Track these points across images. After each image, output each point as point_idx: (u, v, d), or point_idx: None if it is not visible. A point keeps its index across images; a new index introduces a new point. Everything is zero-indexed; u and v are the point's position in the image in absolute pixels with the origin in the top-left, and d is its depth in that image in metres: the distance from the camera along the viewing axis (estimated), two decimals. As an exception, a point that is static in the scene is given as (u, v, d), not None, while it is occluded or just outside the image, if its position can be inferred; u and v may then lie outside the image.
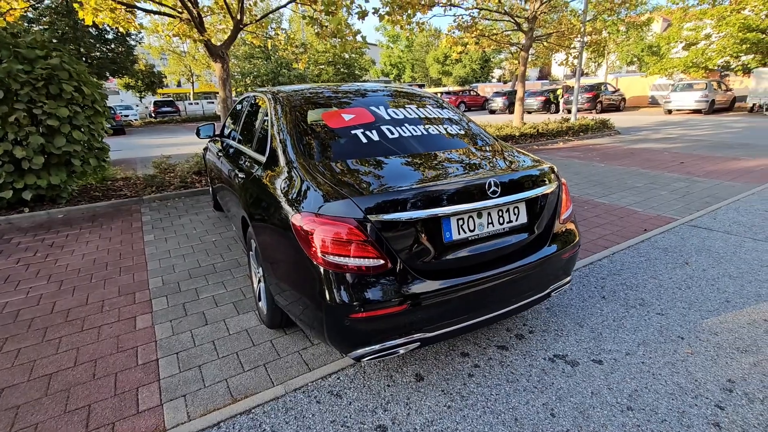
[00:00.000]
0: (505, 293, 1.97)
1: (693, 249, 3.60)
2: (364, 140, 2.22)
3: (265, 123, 2.61)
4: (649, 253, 3.55)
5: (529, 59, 11.47)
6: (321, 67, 37.06)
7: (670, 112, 19.45)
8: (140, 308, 2.87)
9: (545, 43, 11.78)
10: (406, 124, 2.42)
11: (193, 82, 38.27)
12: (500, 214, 1.94)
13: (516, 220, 2.00)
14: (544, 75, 46.40)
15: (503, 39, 11.62)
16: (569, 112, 19.14)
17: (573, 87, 12.26)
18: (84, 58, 20.87)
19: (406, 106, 2.67)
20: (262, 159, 2.40)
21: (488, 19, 11.56)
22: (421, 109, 2.66)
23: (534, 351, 2.29)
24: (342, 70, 37.34)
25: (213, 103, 36.83)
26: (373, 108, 2.54)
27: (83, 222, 4.94)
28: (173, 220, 4.89)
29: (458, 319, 1.86)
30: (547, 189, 2.11)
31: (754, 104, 18.07)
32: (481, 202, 1.84)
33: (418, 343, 1.80)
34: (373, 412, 1.88)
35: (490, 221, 1.91)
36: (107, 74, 23.73)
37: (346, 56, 37.78)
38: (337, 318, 1.70)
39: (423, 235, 1.76)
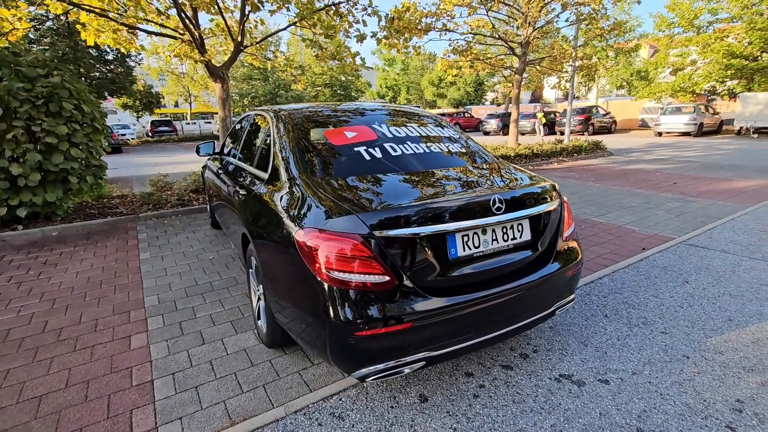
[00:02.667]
0: (511, 311, 1.95)
1: (692, 268, 3.61)
2: (367, 157, 2.23)
3: (267, 140, 2.63)
4: (649, 271, 3.55)
5: (523, 82, 11.73)
6: (318, 88, 37.74)
7: (660, 134, 19.86)
8: (135, 327, 2.80)
9: (538, 67, 12.10)
10: (408, 142, 2.45)
11: (190, 103, 38.71)
12: (504, 230, 1.94)
13: (520, 237, 2.00)
14: (536, 98, 47.49)
15: (497, 63, 11.93)
16: (562, 134, 19.54)
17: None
18: (83, 78, 21.08)
19: (407, 124, 2.70)
20: (264, 176, 2.40)
21: (482, 44, 11.88)
22: (421, 128, 2.69)
23: (539, 371, 2.25)
24: (339, 91, 38.01)
25: (210, 123, 37.16)
26: (375, 126, 2.56)
27: (78, 239, 4.87)
28: (170, 238, 4.84)
29: (464, 337, 1.83)
30: (550, 206, 2.12)
31: (741, 127, 18.53)
32: (486, 219, 1.84)
33: (424, 362, 1.77)
34: (378, 434, 1.83)
35: (494, 238, 1.91)
36: (106, 94, 23.92)
37: (343, 78, 38.55)
38: (341, 336, 1.67)
39: (428, 252, 1.75)
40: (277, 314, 2.14)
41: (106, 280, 3.64)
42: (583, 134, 20.63)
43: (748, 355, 2.34)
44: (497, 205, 1.86)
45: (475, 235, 1.85)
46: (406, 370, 1.76)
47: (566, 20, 10.63)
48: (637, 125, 25.97)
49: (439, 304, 1.72)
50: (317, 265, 1.68)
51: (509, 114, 15.89)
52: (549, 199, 2.14)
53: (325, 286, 1.66)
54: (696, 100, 21.82)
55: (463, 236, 1.82)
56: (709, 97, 22.96)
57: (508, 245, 1.95)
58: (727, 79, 20.26)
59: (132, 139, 27.62)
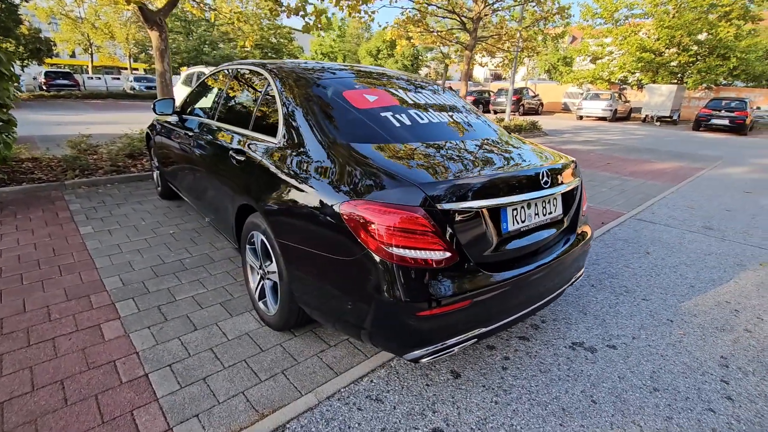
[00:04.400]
0: (546, 284, 1.97)
1: (648, 240, 4.00)
2: (397, 124, 2.06)
3: (270, 101, 2.31)
4: (614, 244, 3.87)
5: (455, 60, 11.95)
6: (246, 50, 34.98)
7: (581, 117, 21.67)
8: (102, 314, 2.39)
9: (485, 44, 12.33)
10: (430, 110, 2.31)
11: (92, 54, 33.45)
12: (544, 205, 1.93)
13: (554, 212, 2.01)
14: (466, 76, 48.87)
15: (448, 36, 11.92)
16: (495, 113, 20.34)
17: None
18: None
19: (420, 90, 2.55)
20: (274, 141, 2.11)
21: (436, 15, 11.74)
22: (435, 95, 2.56)
23: (553, 340, 2.34)
24: (270, 54, 35.61)
25: (119, 79, 32.61)
26: (392, 90, 2.37)
27: (-13, 211, 4.01)
28: (111, 210, 4.19)
29: (511, 311, 1.81)
30: (577, 182, 2.15)
31: (646, 115, 20.89)
32: (535, 192, 1.80)
33: (476, 339, 1.72)
34: (422, 415, 1.76)
35: (536, 212, 1.89)
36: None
37: (274, 40, 36.05)
38: (399, 316, 1.55)
39: (485, 226, 1.67)
40: (302, 295, 1.94)
41: (45, 259, 3.04)
42: (514, 114, 21.77)
43: (716, 317, 2.66)
44: (545, 179, 1.83)
45: (522, 209, 1.81)
46: (456, 349, 1.70)
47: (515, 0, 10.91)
48: (560, 108, 28.05)
49: (495, 279, 1.67)
50: (373, 240, 1.52)
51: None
52: (575, 176, 2.17)
53: (380, 263, 1.52)
54: (611, 88, 24.05)
55: (512, 210, 1.77)
56: (621, 87, 25.44)
57: (545, 219, 1.95)
58: (637, 71, 22.56)
59: (20, 92, 23.34)
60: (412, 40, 11.96)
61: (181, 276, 2.88)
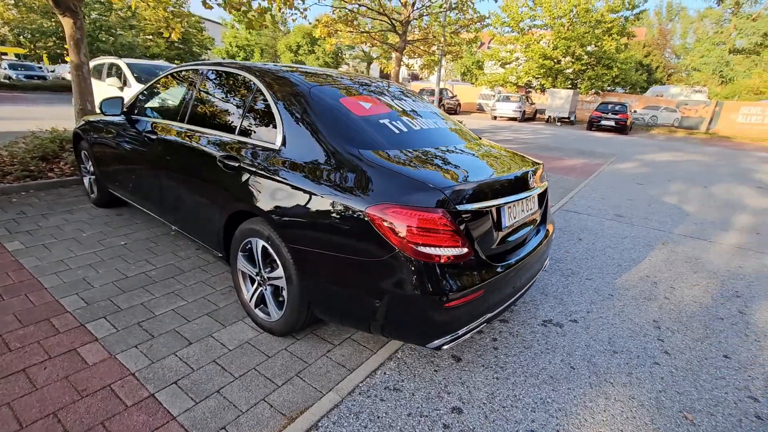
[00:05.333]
0: (529, 270, 2.26)
1: (577, 228, 4.63)
2: (396, 131, 2.19)
3: (260, 105, 2.29)
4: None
5: (382, 60, 12.35)
6: (149, 38, 31.83)
7: (495, 117, 23.53)
8: (73, 338, 2.17)
9: (413, 47, 12.84)
10: (418, 117, 2.47)
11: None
12: (528, 203, 2.22)
13: (533, 209, 2.31)
14: (384, 77, 50.12)
15: (379, 37, 12.19)
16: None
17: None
18: None
19: (402, 97, 2.70)
20: (273, 147, 2.10)
21: (366, 17, 11.92)
22: (415, 102, 2.73)
23: (528, 320, 2.67)
24: (176, 44, 32.84)
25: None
26: (380, 97, 2.49)
27: None
28: (38, 222, 3.68)
29: (508, 296, 2.07)
30: (546, 183, 2.48)
31: (549, 116, 23.39)
32: (525, 192, 2.08)
33: (485, 323, 1.94)
34: (440, 397, 1.94)
35: (523, 209, 2.16)
36: None
37: (182, 29, 33.31)
38: (427, 308, 1.70)
39: (491, 223, 1.89)
40: (315, 297, 1.99)
41: (-27, 282, 2.62)
42: (437, 114, 22.90)
43: (642, 289, 3.23)
44: (531, 180, 2.11)
45: (515, 207, 2.07)
46: (468, 335, 1.90)
47: (440, 6, 11.54)
48: (476, 108, 30.10)
49: (500, 269, 1.90)
50: (399, 241, 1.65)
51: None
52: (545, 178, 2.50)
53: (409, 261, 1.65)
54: (518, 91, 26.46)
55: (509, 208, 2.01)
56: (527, 90, 28.10)
57: (527, 216, 2.23)
58: (540, 76, 25.13)
59: None
60: (341, 40, 11.99)
61: (152, 290, 2.69)
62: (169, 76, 3.10)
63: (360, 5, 10.81)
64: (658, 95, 26.89)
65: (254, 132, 2.27)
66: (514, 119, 22.94)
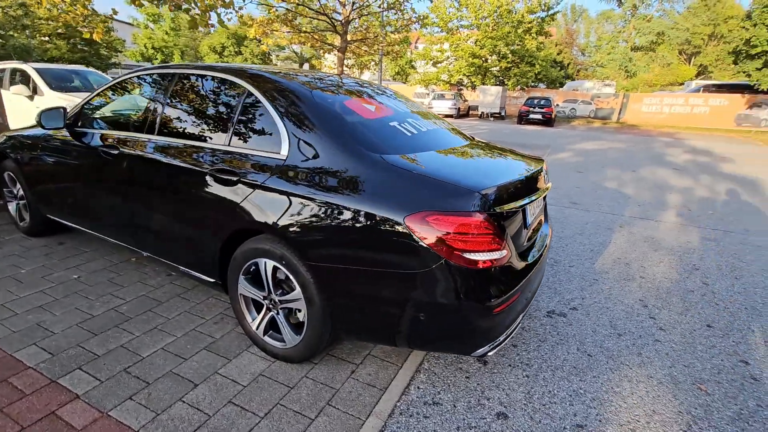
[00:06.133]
0: (543, 265, 2.29)
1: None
2: (408, 134, 2.10)
3: (255, 112, 2.07)
4: (523, 224, 4.59)
5: (317, 61, 12.17)
6: (45, 39, 28.29)
7: (432, 115, 24.22)
8: (47, 398, 1.80)
9: (353, 47, 12.73)
10: (418, 118, 2.40)
11: None
12: (541, 200, 2.24)
13: (542, 205, 2.34)
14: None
15: (320, 38, 11.91)
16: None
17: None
18: None
19: (393, 98, 2.61)
20: (279, 157, 1.90)
21: (305, 16, 11.57)
22: (410, 104, 2.66)
23: (533, 313, 2.72)
24: (81, 46, 29.58)
25: None
26: (378, 99, 2.38)
27: None
28: (-44, 260, 3.05)
29: (532, 294, 2.07)
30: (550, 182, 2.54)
31: (482, 112, 24.56)
32: (542, 190, 2.09)
33: (520, 324, 1.92)
34: (481, 405, 1.89)
35: (537, 205, 2.19)
36: None
37: (85, 29, 30.15)
38: (476, 316, 1.64)
39: (521, 223, 1.88)
40: (344, 316, 1.84)
41: None
42: (377, 113, 23.03)
43: (620, 271, 3.45)
44: (545, 177, 2.13)
45: (533, 206, 2.08)
46: (509, 339, 1.87)
47: (379, 6, 11.54)
48: (412, 107, 30.74)
49: (529, 267, 1.89)
50: (444, 249, 1.57)
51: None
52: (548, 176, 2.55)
53: (456, 269, 1.58)
54: (451, 89, 27.48)
55: (530, 207, 2.02)
56: (459, 87, 29.27)
57: (540, 213, 2.27)
58: (470, 74, 26.31)
59: None
60: (279, 40, 11.55)
61: (129, 328, 2.34)
62: (126, 83, 2.72)
63: (299, 4, 10.46)
64: (574, 89, 29.41)
65: (251, 142, 2.05)
66: (450, 116, 23.74)
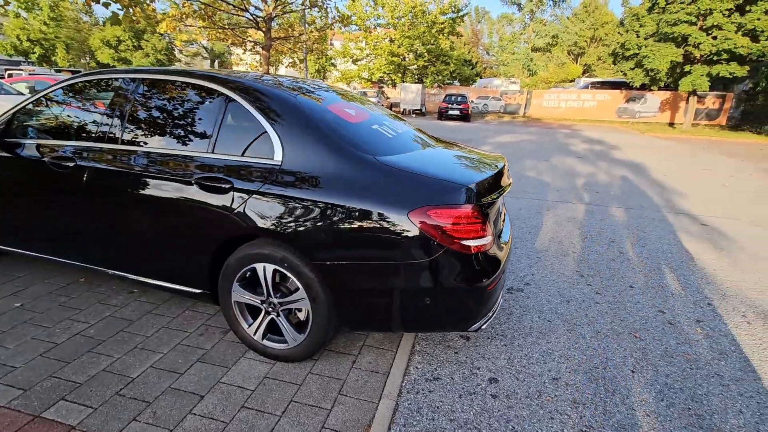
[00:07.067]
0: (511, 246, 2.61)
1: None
2: (390, 136, 2.26)
3: (238, 118, 2.07)
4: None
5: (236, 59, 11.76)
6: None
7: (357, 113, 24.44)
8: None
9: (278, 45, 12.38)
10: (390, 119, 2.57)
11: None
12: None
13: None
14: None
15: (242, 34, 11.36)
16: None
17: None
18: None
19: (363, 101, 2.75)
20: (272, 162, 1.94)
21: (223, 11, 10.96)
22: (377, 106, 2.81)
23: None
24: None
25: None
26: (350, 102, 2.50)
27: None
28: None
29: (505, 272, 2.37)
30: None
31: (404, 109, 25.38)
32: (507, 183, 2.39)
33: (502, 298, 2.20)
34: (474, 374, 2.14)
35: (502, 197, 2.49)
36: None
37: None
38: (474, 295, 1.88)
39: (497, 211, 2.15)
40: (349, 311, 1.96)
41: None
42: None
43: (556, 248, 3.98)
44: (509, 172, 2.44)
45: (500, 197, 2.37)
46: (495, 312, 2.13)
47: (302, 4, 11.38)
48: (335, 105, 30.67)
49: (505, 248, 2.18)
50: (446, 238, 1.77)
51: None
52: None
53: (458, 255, 1.80)
54: (372, 86, 27.96)
55: (499, 198, 2.30)
56: (380, 85, 29.87)
57: (502, 203, 2.58)
58: (390, 72, 27.01)
59: None
60: (195, 36, 10.85)
61: (105, 351, 2.19)
62: (72, 88, 2.48)
63: (218, -1, 9.93)
64: (485, 87, 31.72)
65: (239, 148, 2.05)
66: (374, 113, 24.19)
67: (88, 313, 2.53)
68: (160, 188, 2.13)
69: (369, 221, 1.81)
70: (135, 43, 35.75)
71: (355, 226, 1.82)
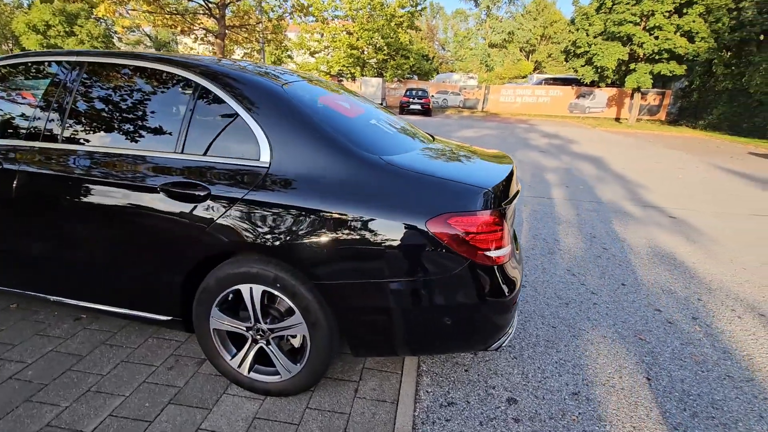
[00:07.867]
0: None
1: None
2: (390, 132, 2.00)
3: (213, 112, 1.73)
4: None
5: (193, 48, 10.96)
6: None
7: (316, 107, 23.79)
8: None
9: (233, 34, 11.60)
10: (383, 113, 2.30)
11: None
12: None
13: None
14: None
15: (193, 20, 10.49)
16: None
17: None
18: None
19: (349, 92, 2.46)
20: (259, 164, 1.62)
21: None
22: (365, 99, 2.53)
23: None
24: None
25: None
26: (342, 95, 2.21)
27: None
28: None
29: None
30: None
31: (365, 103, 25.05)
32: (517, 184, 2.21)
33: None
34: (490, 394, 1.95)
35: (508, 198, 2.31)
36: None
37: None
38: (500, 311, 1.67)
39: (513, 217, 1.95)
40: (354, 335, 1.69)
41: None
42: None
43: (542, 246, 3.90)
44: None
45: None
46: (514, 328, 1.94)
47: (257, -9, 10.71)
48: (293, 98, 29.72)
49: (517, 254, 2.00)
50: (469, 249, 1.55)
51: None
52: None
53: (483, 268, 1.58)
54: (332, 80, 27.32)
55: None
56: (339, 79, 29.27)
57: (506, 204, 2.40)
58: (349, 66, 26.51)
59: None
60: (138, 21, 9.93)
61: (49, 399, 1.78)
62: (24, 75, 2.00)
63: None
64: (444, 81, 32.00)
65: (215, 148, 1.71)
66: (334, 107, 23.67)
67: (23, 350, 2.08)
68: (113, 197, 1.74)
69: (380, 232, 1.54)
70: (67, 29, 32.59)
71: (363, 238, 1.55)
